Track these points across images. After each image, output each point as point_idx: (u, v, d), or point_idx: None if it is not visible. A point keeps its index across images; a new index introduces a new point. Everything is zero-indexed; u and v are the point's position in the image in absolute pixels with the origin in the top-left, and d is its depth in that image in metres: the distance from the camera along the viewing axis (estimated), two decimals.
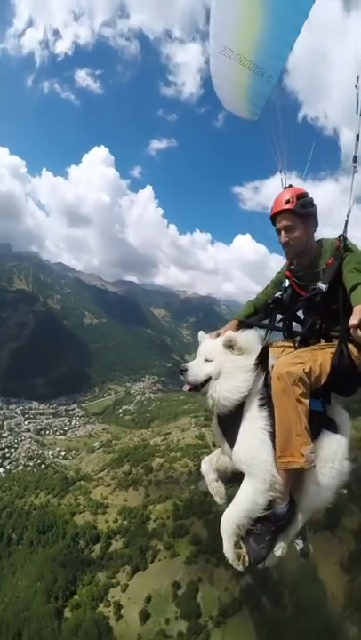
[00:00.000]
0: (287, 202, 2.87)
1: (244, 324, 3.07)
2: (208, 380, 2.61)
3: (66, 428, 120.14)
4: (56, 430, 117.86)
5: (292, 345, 2.99)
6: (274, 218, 2.99)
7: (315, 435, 2.52)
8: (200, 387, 2.62)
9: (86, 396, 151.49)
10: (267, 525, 2.46)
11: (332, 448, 2.55)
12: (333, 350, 2.61)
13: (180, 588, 49.98)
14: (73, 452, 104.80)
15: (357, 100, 3.10)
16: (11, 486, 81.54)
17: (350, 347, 2.59)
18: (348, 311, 2.44)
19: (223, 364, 2.58)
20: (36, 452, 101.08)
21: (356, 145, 3.07)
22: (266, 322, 3.19)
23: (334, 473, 2.51)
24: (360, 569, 43.67)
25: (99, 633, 46.06)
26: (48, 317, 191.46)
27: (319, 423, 2.57)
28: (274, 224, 3.00)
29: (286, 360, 2.51)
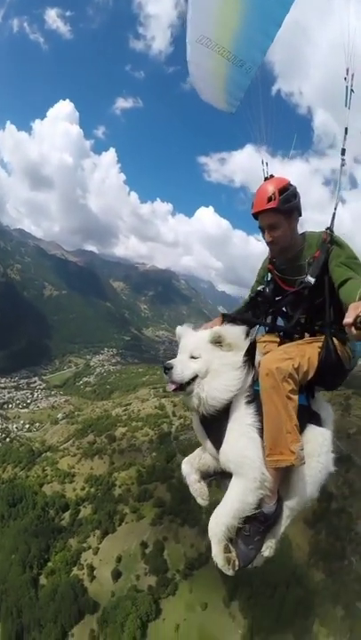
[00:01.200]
0: (269, 199, 2.65)
1: (227, 319, 2.79)
2: (194, 378, 2.35)
3: (28, 401, 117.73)
4: (19, 403, 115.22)
5: (275, 340, 2.87)
6: (256, 216, 2.79)
7: (301, 429, 2.38)
8: (185, 385, 2.35)
9: (47, 369, 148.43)
10: (255, 526, 2.35)
11: (318, 442, 2.46)
12: (320, 345, 2.52)
13: (147, 547, 52.32)
14: (37, 424, 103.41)
15: (347, 93, 2.97)
16: None
17: (335, 341, 2.53)
18: (335, 305, 2.55)
19: (211, 362, 2.34)
20: (0, 426, 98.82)
21: (345, 138, 2.97)
22: (251, 316, 3.04)
23: (321, 467, 2.42)
24: (323, 525, 48.24)
25: (74, 594, 47.64)
26: (8, 288, 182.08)
27: (304, 417, 2.44)
28: (256, 219, 2.80)
29: (275, 356, 2.39)
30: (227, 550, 2.27)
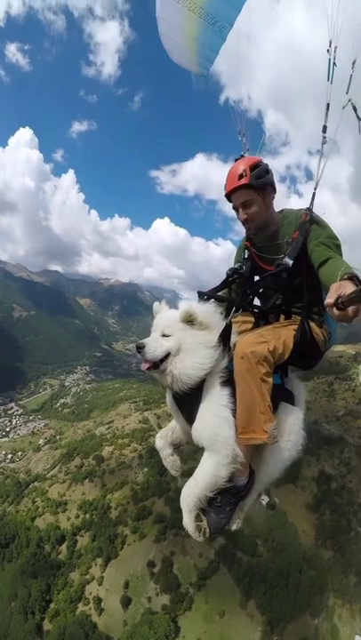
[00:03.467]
0: (240, 177, 2.47)
1: (203, 296, 2.59)
2: (167, 356, 2.20)
3: (7, 429, 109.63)
4: None
5: (250, 320, 2.68)
6: (229, 195, 2.58)
7: (273, 408, 2.29)
8: (159, 364, 2.20)
9: (22, 393, 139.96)
10: (227, 497, 2.28)
11: (290, 421, 2.42)
12: (295, 328, 2.41)
13: (154, 565, 49.03)
14: (19, 453, 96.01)
15: (329, 66, 2.73)
16: None
17: (311, 324, 2.44)
18: (312, 287, 2.41)
19: (183, 340, 2.20)
20: None
21: (326, 114, 2.72)
22: (226, 294, 2.81)
23: (290, 445, 2.39)
24: (326, 506, 48.75)
25: (85, 633, 43.30)
26: None
27: (278, 396, 2.37)
28: (230, 201, 2.60)
29: (250, 339, 2.26)
30: (198, 519, 2.22)
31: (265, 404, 2.17)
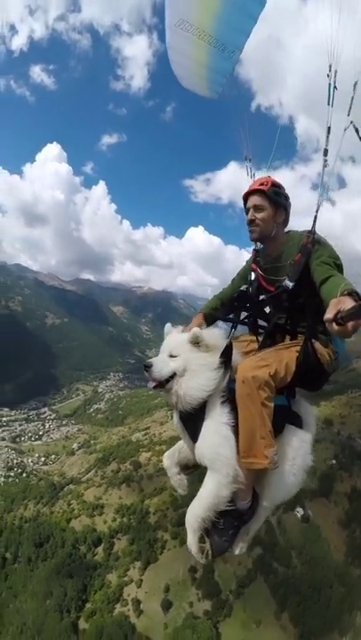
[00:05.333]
0: (262, 184, 2.75)
1: (209, 318, 2.97)
2: (173, 376, 2.39)
3: (41, 433, 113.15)
4: (31, 436, 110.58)
5: (256, 340, 2.88)
6: (245, 200, 2.84)
7: (278, 430, 2.43)
8: (165, 383, 2.40)
9: (55, 399, 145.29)
10: (230, 520, 2.42)
11: (295, 444, 2.49)
12: (299, 349, 2.50)
13: (196, 571, 49.64)
14: (52, 456, 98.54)
15: (329, 91, 2.89)
16: None
17: (316, 344, 2.52)
18: (315, 307, 2.42)
19: (189, 361, 2.40)
20: (15, 460, 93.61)
21: (327, 138, 2.86)
22: (231, 316, 3.02)
23: (296, 469, 2.46)
24: (357, 523, 48.50)
25: (123, 634, 44.73)
26: (11, 320, 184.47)
27: (283, 418, 2.49)
28: (245, 205, 2.84)
29: (251, 363, 2.38)
30: (201, 541, 2.37)
31: (266, 428, 2.26)
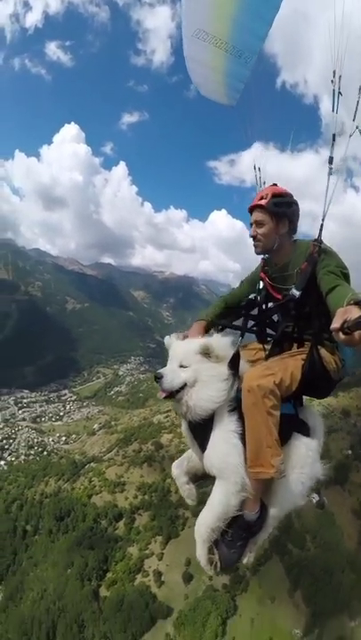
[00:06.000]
0: (262, 198, 2.83)
1: (214, 326, 2.98)
2: (183, 386, 2.44)
3: (61, 414, 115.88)
4: (52, 417, 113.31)
5: (259, 347, 2.98)
6: (250, 212, 2.92)
7: (285, 438, 2.49)
8: (175, 393, 2.45)
9: (76, 381, 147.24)
10: (238, 532, 2.47)
11: (302, 453, 2.53)
12: (304, 357, 2.57)
13: None
14: (73, 436, 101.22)
15: (334, 96, 2.97)
16: (16, 478, 77.62)
17: (323, 352, 2.59)
18: (322, 315, 2.52)
19: (199, 372, 2.45)
20: (35, 439, 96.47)
21: (333, 145, 2.95)
22: (239, 323, 3.10)
23: (304, 478, 2.50)
24: None
25: (144, 602, 48.05)
26: (31, 305, 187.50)
27: (290, 426, 2.54)
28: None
29: (257, 372, 2.44)
30: (210, 552, 2.43)
31: (272, 437, 2.30)
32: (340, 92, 2.98)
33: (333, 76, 2.95)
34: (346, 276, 2.54)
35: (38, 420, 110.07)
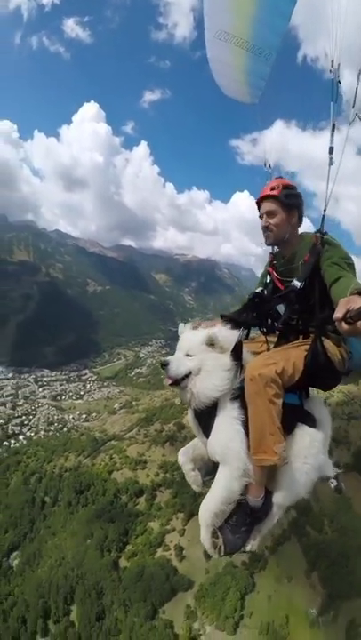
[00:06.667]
0: (273, 189, 2.92)
1: (225, 319, 2.97)
2: (188, 374, 2.59)
3: (82, 393, 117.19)
4: (72, 395, 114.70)
5: (272, 340, 2.98)
6: (259, 205, 3.01)
7: (290, 428, 2.56)
8: (180, 381, 2.60)
9: (96, 362, 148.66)
10: (242, 517, 2.54)
11: (306, 443, 2.58)
12: (307, 348, 2.62)
13: None
14: (94, 414, 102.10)
15: (333, 86, 3.05)
16: (35, 452, 79.38)
17: (327, 343, 2.62)
18: (326, 307, 2.60)
19: (204, 362, 2.59)
20: (55, 416, 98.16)
21: (332, 135, 3.05)
22: (248, 317, 3.19)
23: (307, 468, 2.55)
24: None
25: (165, 574, 49.78)
26: (52, 287, 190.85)
27: (295, 417, 2.62)
28: (259, 210, 3.02)
29: (259, 362, 2.53)
30: (214, 536, 2.50)
31: (274, 425, 2.40)
32: (339, 81, 3.06)
33: (332, 66, 3.05)
34: (351, 267, 2.57)
35: (58, 398, 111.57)
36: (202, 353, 2.58)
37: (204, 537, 2.49)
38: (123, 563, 52.56)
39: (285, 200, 2.84)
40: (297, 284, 2.75)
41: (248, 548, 2.63)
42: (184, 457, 2.88)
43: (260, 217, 2.96)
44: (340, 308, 1.65)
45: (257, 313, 3.09)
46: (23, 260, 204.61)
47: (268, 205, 2.89)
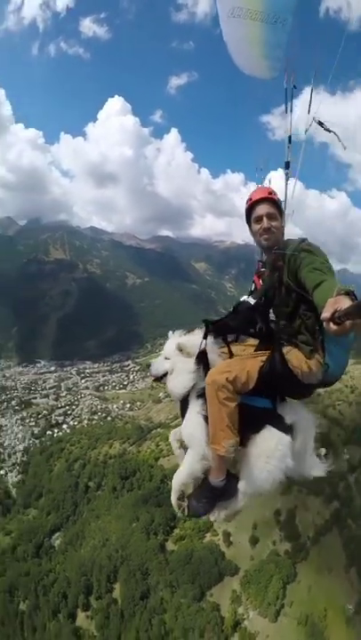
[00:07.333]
0: (270, 192, 3.05)
1: (207, 325, 3.19)
2: (166, 373, 3.05)
3: (125, 383, 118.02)
4: (115, 385, 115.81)
5: (253, 344, 3.12)
6: (252, 207, 3.09)
7: (257, 428, 2.82)
8: (160, 378, 3.08)
9: (139, 353, 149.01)
10: (205, 492, 2.91)
11: (270, 444, 2.78)
12: (264, 359, 2.78)
13: (280, 514, 55.59)
14: (138, 403, 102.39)
15: (286, 94, 3.09)
16: (79, 440, 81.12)
17: (292, 354, 2.74)
18: (295, 317, 2.79)
19: (175, 364, 3.01)
20: (98, 406, 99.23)
21: (288, 149, 3.19)
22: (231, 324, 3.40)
23: (270, 467, 2.76)
24: None
25: (214, 558, 51.64)
26: (90, 283, 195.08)
27: (265, 419, 2.85)
28: (249, 215, 3.11)
29: (217, 369, 2.80)
30: (181, 499, 2.97)
31: (223, 424, 2.70)
32: (294, 86, 3.09)
33: (285, 74, 3.14)
34: (331, 271, 2.59)
35: (101, 388, 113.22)
36: (175, 357, 3.03)
37: (173, 498, 2.96)
38: (170, 546, 54.21)
39: (280, 205, 3.04)
40: (251, 301, 3.13)
41: (212, 518, 3.06)
42: (173, 437, 3.31)
43: (257, 220, 3.04)
44: (328, 308, 1.68)
45: (240, 320, 3.22)
46: (59, 259, 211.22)
47: (268, 208, 3.00)
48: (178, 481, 2.96)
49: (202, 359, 2.94)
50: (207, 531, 55.72)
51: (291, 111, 3.04)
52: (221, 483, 2.87)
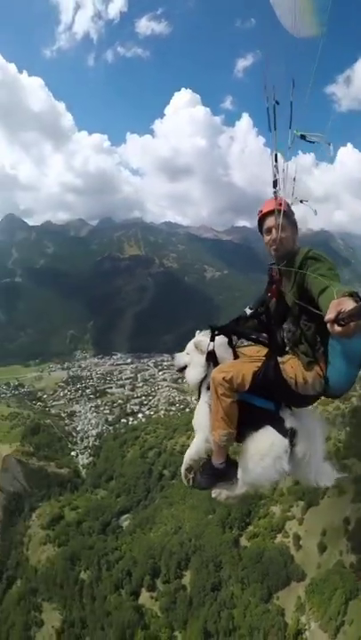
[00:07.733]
0: (280, 204, 3.01)
1: (213, 330, 3.41)
2: (186, 366, 3.46)
3: None
4: None
5: (265, 348, 3.28)
6: (263, 219, 3.14)
7: (256, 427, 3.04)
8: (182, 370, 3.49)
9: None
10: (208, 469, 3.27)
11: (265, 444, 2.98)
12: (259, 365, 2.98)
13: (349, 523, 54.07)
14: None
15: (269, 112, 2.98)
16: (155, 429, 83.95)
17: (288, 363, 2.92)
18: (297, 325, 2.95)
19: (192, 359, 3.41)
20: (176, 398, 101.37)
21: (275, 167, 3.05)
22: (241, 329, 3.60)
23: (264, 465, 2.96)
24: None
25: (283, 561, 52.38)
26: (167, 277, 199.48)
27: (265, 419, 3.05)
28: (260, 225, 3.18)
29: (219, 367, 3.10)
30: (189, 472, 3.41)
31: (219, 415, 3.00)
32: (276, 102, 2.97)
33: (265, 87, 2.98)
34: (337, 277, 2.64)
35: (179, 381, 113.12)
36: (192, 352, 3.43)
37: (182, 469, 3.43)
38: (243, 542, 55.73)
39: (291, 216, 3.07)
40: (248, 311, 3.35)
41: (213, 494, 3.39)
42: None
43: (267, 231, 3.10)
44: (332, 309, 1.70)
45: (242, 327, 3.47)
46: (134, 255, 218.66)
47: (277, 220, 3.02)
48: (187, 457, 3.41)
49: (211, 358, 3.27)
50: (279, 531, 56.58)
51: (275, 128, 2.91)
52: (221, 465, 3.20)
